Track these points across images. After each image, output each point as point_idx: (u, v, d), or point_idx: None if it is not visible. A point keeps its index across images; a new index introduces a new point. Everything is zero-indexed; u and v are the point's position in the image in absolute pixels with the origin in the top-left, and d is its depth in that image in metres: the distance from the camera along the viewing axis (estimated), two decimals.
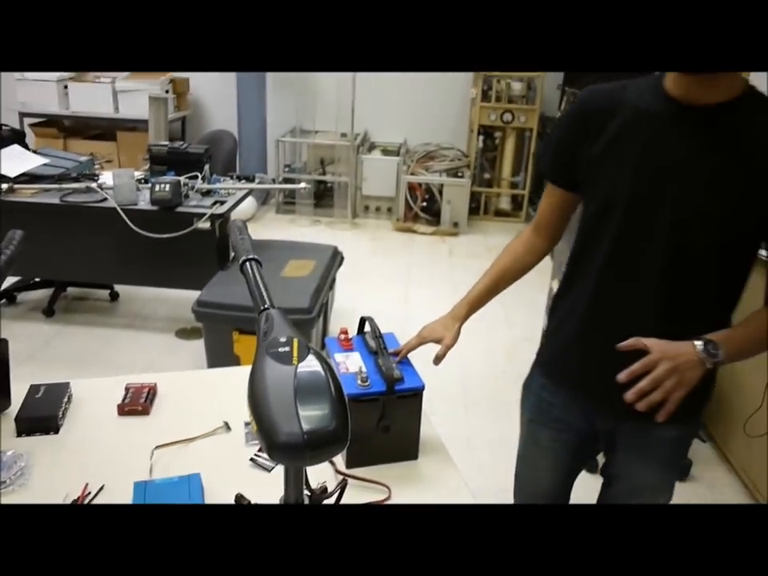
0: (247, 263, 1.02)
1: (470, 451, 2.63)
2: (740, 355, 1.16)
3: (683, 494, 2.49)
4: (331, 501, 0.96)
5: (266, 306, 0.91)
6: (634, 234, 1.17)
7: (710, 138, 1.08)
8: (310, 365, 0.78)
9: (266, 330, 0.83)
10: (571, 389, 1.34)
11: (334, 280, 3.16)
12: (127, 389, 1.43)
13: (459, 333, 1.38)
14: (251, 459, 1.28)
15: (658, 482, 1.36)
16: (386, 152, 5.66)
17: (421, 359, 1.37)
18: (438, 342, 1.36)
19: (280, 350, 0.79)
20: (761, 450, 2.37)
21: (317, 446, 0.70)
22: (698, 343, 1.09)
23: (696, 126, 1.09)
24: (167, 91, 5.30)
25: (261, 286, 0.96)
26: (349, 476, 1.23)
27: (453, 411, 2.87)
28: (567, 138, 1.26)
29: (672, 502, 1.40)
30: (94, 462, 1.24)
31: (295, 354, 0.78)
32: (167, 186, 2.91)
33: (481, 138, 5.50)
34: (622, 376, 1.09)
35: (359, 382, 1.26)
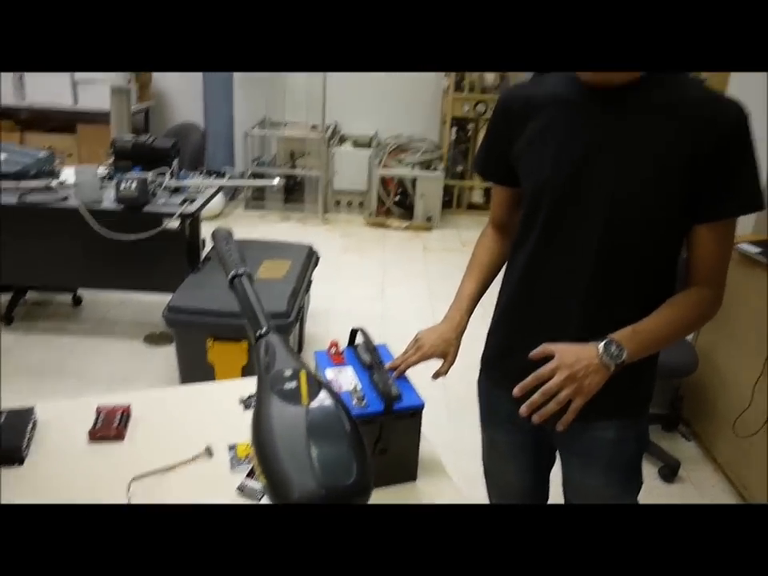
0: (237, 279, 0.92)
1: (456, 459, 2.55)
2: (648, 350, 1.14)
3: (671, 493, 2.47)
4: None
5: (263, 330, 0.81)
6: (562, 219, 1.17)
7: (619, 116, 1.11)
8: (323, 403, 0.68)
9: (268, 362, 0.73)
10: (506, 389, 1.27)
11: (310, 282, 3.05)
12: (98, 411, 1.31)
13: (459, 345, 1.31)
14: (239, 488, 1.17)
15: (602, 486, 1.31)
16: (357, 144, 5.55)
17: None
18: (441, 357, 1.28)
19: (286, 386, 0.69)
20: (749, 449, 2.35)
21: (337, 502, 0.61)
22: (600, 346, 1.08)
23: (605, 105, 1.11)
24: (129, 81, 5.09)
25: (255, 305, 0.86)
26: None
27: (435, 416, 2.78)
28: (495, 138, 1.31)
29: (660, 503, 1.35)
30: (65, 496, 1.12)
31: (304, 390, 0.68)
32: (134, 183, 2.76)
33: (454, 129, 5.42)
34: (516, 390, 1.10)
35: (355, 401, 1.17)
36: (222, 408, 1.39)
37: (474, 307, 1.37)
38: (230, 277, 0.93)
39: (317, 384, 0.71)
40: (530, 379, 1.08)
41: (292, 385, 0.69)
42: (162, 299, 2.66)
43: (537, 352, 1.11)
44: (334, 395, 0.70)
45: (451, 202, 5.61)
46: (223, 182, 3.20)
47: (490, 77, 5.22)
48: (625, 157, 1.10)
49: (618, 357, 1.07)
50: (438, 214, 5.28)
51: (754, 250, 2.35)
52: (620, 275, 1.16)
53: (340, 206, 5.53)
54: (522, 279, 1.26)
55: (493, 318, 1.38)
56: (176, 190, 3.01)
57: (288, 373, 0.71)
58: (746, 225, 2.61)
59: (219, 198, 4.85)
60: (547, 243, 1.20)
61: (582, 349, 1.09)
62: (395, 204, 5.31)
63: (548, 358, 1.10)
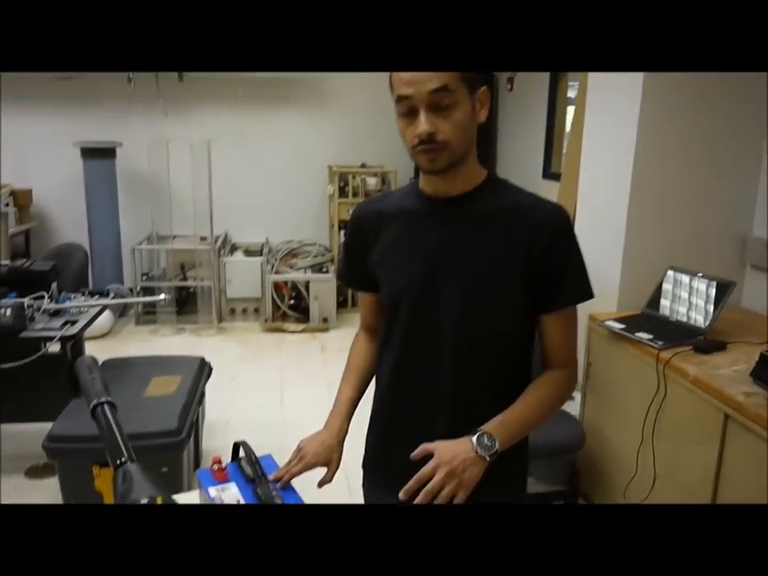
0: (99, 408, 0.92)
1: None
2: (517, 436, 1.21)
3: None
4: None
5: (122, 459, 0.81)
6: (419, 323, 1.25)
7: (460, 224, 1.21)
8: None
9: (124, 492, 0.73)
10: (387, 491, 1.26)
11: (203, 395, 2.98)
12: None
13: (342, 451, 1.33)
14: None
15: None
16: (248, 252, 5.61)
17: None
18: (324, 465, 1.30)
19: None
20: None
21: None
22: (473, 439, 1.13)
23: (447, 215, 1.22)
24: (7, 204, 4.98)
25: (116, 435, 0.86)
26: None
27: None
28: (353, 250, 1.37)
29: None
30: None
31: None
32: (8, 310, 2.66)
33: (342, 232, 5.60)
34: (402, 495, 1.11)
35: None
36: None
37: (353, 411, 1.40)
38: (91, 406, 0.93)
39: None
40: (412, 482, 1.11)
41: None
42: (43, 428, 2.52)
43: (416, 453, 1.14)
44: None
45: (346, 301, 5.72)
46: (106, 301, 3.13)
47: (372, 181, 5.48)
48: (468, 261, 1.19)
49: (491, 447, 1.12)
50: (334, 314, 5.36)
51: (618, 326, 2.55)
52: (478, 370, 1.23)
53: (235, 314, 5.51)
54: (390, 384, 1.32)
55: (369, 422, 1.41)
56: (56, 313, 2.92)
57: (143, 501, 0.71)
58: (610, 304, 2.82)
59: (107, 316, 4.72)
60: (408, 346, 1.27)
61: (457, 444, 1.13)
62: (290, 308, 5.35)
63: (427, 457, 1.13)
